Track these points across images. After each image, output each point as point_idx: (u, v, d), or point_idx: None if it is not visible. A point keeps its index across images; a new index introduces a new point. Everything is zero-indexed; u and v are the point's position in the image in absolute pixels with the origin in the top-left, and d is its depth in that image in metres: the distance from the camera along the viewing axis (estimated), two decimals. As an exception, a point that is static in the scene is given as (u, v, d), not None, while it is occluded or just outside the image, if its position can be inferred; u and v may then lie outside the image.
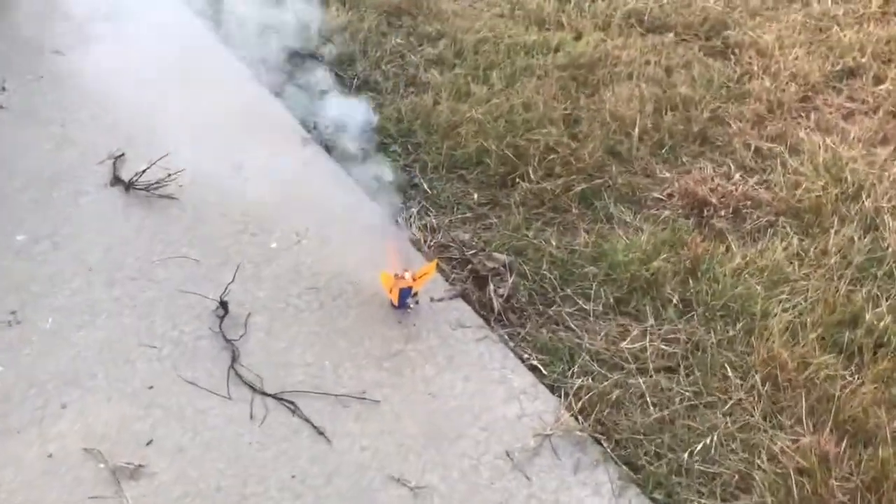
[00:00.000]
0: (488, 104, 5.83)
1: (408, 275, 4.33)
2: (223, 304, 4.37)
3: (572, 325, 4.50)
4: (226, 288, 4.41)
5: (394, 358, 4.21)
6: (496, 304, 4.56)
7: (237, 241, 4.82)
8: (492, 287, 4.64)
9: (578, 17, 6.82)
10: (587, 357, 4.28)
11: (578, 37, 6.56)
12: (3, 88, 5.86)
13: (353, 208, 5.09)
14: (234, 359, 4.15)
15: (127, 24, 6.49)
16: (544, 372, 4.21)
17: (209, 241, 4.80)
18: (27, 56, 6.23)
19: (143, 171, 5.11)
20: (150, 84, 5.90)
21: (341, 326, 4.36)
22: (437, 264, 4.60)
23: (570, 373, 4.22)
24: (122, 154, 5.29)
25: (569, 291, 4.67)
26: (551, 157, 5.44)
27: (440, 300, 4.54)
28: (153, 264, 4.65)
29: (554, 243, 4.94)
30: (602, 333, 4.42)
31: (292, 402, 3.97)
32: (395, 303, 4.41)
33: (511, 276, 4.70)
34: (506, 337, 4.39)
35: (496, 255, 4.85)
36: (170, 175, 5.09)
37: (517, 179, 5.34)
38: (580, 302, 4.62)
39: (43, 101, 5.79)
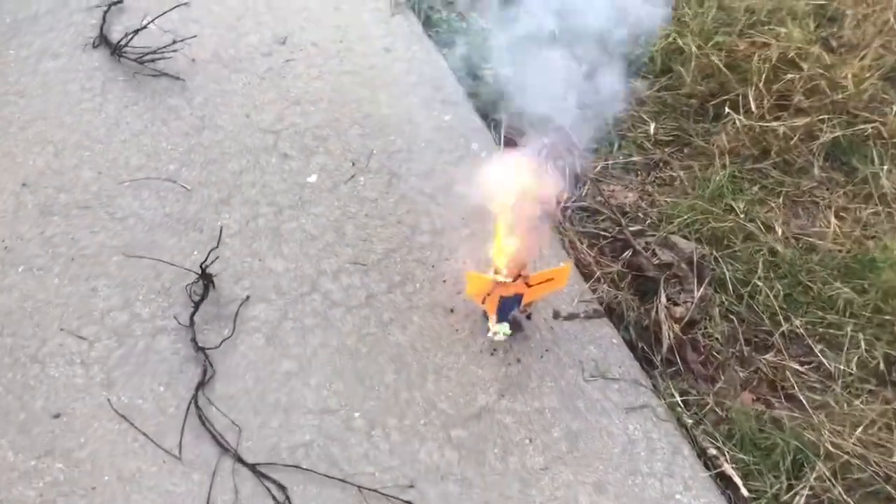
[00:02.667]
0: (689, -23, 3.64)
1: (502, 275, 2.41)
2: (205, 278, 2.60)
3: (801, 397, 2.51)
4: (207, 255, 2.62)
5: (473, 423, 2.37)
6: (667, 333, 2.61)
7: (257, 164, 2.99)
8: (663, 299, 2.68)
9: None
10: (824, 469, 2.31)
11: None
12: None
13: (450, 129, 3.14)
14: (203, 383, 2.41)
15: None
16: (744, 491, 2.28)
17: (214, 159, 3.00)
18: None
19: (139, 30, 3.31)
20: None
21: (394, 344, 2.53)
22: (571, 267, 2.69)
23: (793, 501, 2.27)
24: (121, 0, 3.48)
25: (797, 325, 2.66)
26: (788, 75, 3.27)
27: (570, 318, 2.61)
28: (122, 186, 2.91)
29: (779, 230, 2.88)
30: (856, 424, 2.41)
31: (282, 487, 2.21)
32: (492, 314, 2.52)
33: (700, 283, 2.71)
34: (678, 404, 2.45)
35: (677, 239, 2.85)
36: (175, 42, 3.26)
37: (726, 108, 3.23)
38: (817, 350, 2.60)
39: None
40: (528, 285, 2.41)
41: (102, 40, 3.34)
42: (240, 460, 2.27)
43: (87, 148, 3.02)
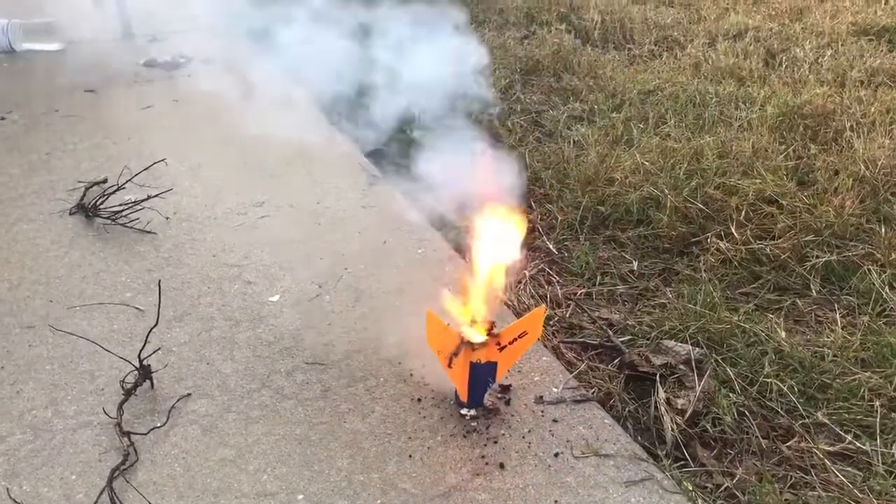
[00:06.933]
0: (660, 151, 3.75)
1: (475, 332, 2.15)
2: (143, 370, 2.32)
3: (835, 481, 2.09)
4: (145, 339, 2.37)
5: (440, 502, 1.95)
6: (670, 426, 2.25)
7: (218, 289, 2.84)
8: (661, 393, 2.35)
9: (792, 73, 4.78)
10: (884, 546, 1.85)
11: (796, 91, 4.45)
12: (3, 118, 4.43)
13: (424, 259, 3.03)
14: (123, 467, 2.04)
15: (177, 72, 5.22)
16: (785, 568, 1.80)
17: (174, 287, 2.85)
18: (55, 92, 4.87)
19: (114, 192, 3.34)
20: (178, 127, 4.37)
21: (350, 431, 2.18)
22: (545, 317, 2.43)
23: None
24: (105, 180, 3.57)
25: (820, 416, 2.30)
26: (768, 209, 3.22)
27: (556, 402, 2.28)
28: (72, 311, 2.73)
29: (783, 334, 2.63)
30: (910, 501, 1.98)
31: (198, 569, 1.76)
32: (462, 393, 2.20)
33: (701, 377, 2.40)
34: (692, 490, 2.04)
35: (670, 343, 2.58)
36: (150, 197, 3.28)
37: (709, 240, 3.13)
38: (848, 436, 2.22)
39: (40, 131, 4.29)
40: (501, 346, 2.14)
41: (79, 208, 3.36)
42: (151, 544, 1.84)
43: (43, 283, 2.88)
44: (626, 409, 2.36)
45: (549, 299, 2.90)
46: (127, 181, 3.37)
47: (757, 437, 2.27)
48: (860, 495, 2.04)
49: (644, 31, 5.82)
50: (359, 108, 3.86)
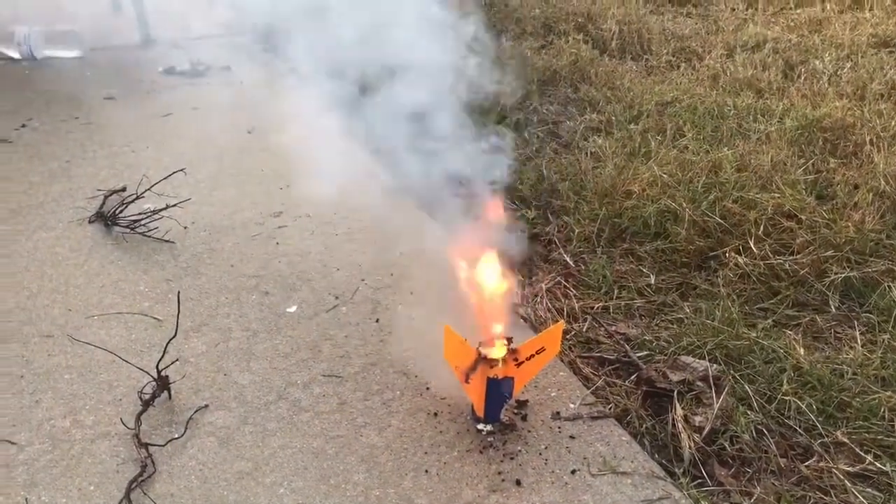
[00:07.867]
0: (678, 164, 3.74)
1: (496, 350, 2.14)
2: (161, 380, 2.33)
3: (855, 502, 2.07)
4: (164, 349, 2.38)
5: (458, 516, 1.95)
6: (688, 443, 2.24)
7: (236, 300, 2.85)
8: (679, 410, 2.33)
9: (811, 85, 4.75)
10: (906, 569, 1.82)
11: (815, 104, 4.43)
12: (24, 126, 4.47)
13: (439, 274, 3.02)
14: (140, 478, 2.04)
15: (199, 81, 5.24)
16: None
17: (191, 297, 2.87)
18: (75, 100, 4.91)
19: (133, 200, 3.36)
20: (197, 135, 4.39)
21: (366, 445, 2.18)
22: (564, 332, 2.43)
23: None
24: (124, 188, 3.59)
25: (840, 435, 2.28)
26: (787, 224, 3.20)
27: (573, 419, 2.27)
28: (90, 320, 2.74)
29: (801, 351, 2.61)
30: (932, 523, 1.96)
31: (214, 583, 1.76)
32: (479, 408, 2.20)
33: (720, 394, 2.38)
34: (708, 506, 2.03)
35: (688, 359, 2.56)
36: (168, 206, 3.30)
37: (727, 255, 3.12)
38: (869, 456, 2.20)
39: (60, 139, 4.32)
40: (518, 362, 2.14)
41: (98, 217, 3.38)
42: (168, 557, 1.84)
43: (62, 292, 2.90)
44: (644, 426, 2.34)
45: (565, 313, 2.89)
46: (146, 190, 3.40)
47: (775, 455, 2.25)
48: (881, 516, 2.02)
49: (662, 41, 5.82)
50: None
